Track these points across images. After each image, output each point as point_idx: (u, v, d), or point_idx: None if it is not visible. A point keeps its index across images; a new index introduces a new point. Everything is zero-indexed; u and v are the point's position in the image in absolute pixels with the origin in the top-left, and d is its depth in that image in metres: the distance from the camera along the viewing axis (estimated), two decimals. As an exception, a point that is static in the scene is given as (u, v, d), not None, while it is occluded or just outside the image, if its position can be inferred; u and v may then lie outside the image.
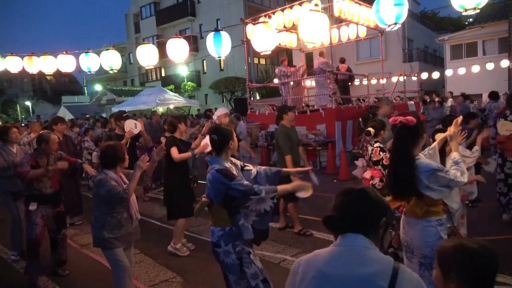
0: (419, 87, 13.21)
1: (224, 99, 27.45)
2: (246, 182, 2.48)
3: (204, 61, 31.29)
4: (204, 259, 4.37)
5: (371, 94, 12.99)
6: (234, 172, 2.57)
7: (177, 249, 4.66)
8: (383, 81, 12.91)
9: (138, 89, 28.95)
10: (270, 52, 5.26)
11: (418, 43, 24.72)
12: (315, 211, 6.03)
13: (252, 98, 14.48)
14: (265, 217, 2.50)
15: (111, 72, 6.36)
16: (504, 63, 15.89)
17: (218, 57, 5.26)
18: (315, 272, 1.39)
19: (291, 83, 10.99)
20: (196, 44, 30.12)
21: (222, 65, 30.12)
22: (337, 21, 12.22)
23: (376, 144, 3.93)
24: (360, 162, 4.70)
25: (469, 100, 12.74)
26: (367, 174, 4.08)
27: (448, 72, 18.45)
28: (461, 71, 16.93)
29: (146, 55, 5.53)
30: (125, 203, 3.09)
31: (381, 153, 3.87)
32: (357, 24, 11.20)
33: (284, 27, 10.75)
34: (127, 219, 3.18)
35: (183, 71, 29.48)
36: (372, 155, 3.94)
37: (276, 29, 10.10)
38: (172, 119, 4.92)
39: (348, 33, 12.23)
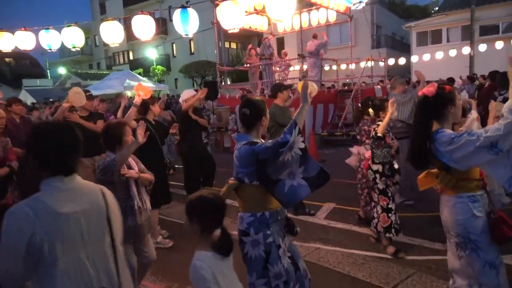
0: (386, 72, 13.54)
1: (195, 84, 27.07)
2: (269, 141, 2.21)
3: (174, 45, 30.59)
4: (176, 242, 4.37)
5: (340, 79, 13.19)
6: None
7: (159, 243, 4.33)
8: (352, 66, 13.14)
9: (104, 72, 27.99)
10: (238, 30, 5.18)
11: (386, 29, 25.23)
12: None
13: (223, 83, 14.35)
14: (307, 158, 2.14)
15: (73, 50, 6.08)
16: (466, 50, 16.53)
17: (186, 35, 5.14)
18: None
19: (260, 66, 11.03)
20: (165, 26, 29.33)
21: (192, 49, 29.59)
22: (308, 5, 12.26)
23: (378, 122, 3.90)
24: (355, 149, 4.63)
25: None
26: (367, 154, 4.03)
27: (414, 58, 18.98)
28: (426, 57, 17.45)
29: (111, 33, 5.31)
30: (116, 173, 2.67)
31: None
32: (326, 8, 11.27)
33: (255, 9, 10.66)
34: (132, 208, 2.79)
35: (152, 54, 28.72)
36: (372, 134, 3.91)
37: (246, 11, 10.02)
38: (146, 100, 4.55)
39: (318, 17, 12.30)
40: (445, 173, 2.28)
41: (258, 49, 11.97)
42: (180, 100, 5.82)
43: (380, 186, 3.79)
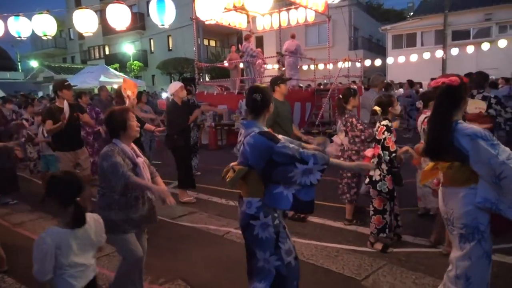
0: (362, 72, 13.77)
1: (172, 80, 26.73)
2: (292, 145, 2.23)
3: (152, 40, 30.11)
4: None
5: (317, 79, 13.33)
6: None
7: None
8: (329, 66, 13.30)
9: (79, 66, 27.26)
10: (215, 22, 5.14)
11: (364, 32, 25.70)
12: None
13: (201, 79, 14.24)
14: (311, 188, 2.22)
15: (45, 38, 5.84)
16: (439, 53, 17.04)
17: (162, 25, 5.05)
18: None
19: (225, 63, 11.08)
20: (143, 21, 28.83)
21: (170, 45, 29.21)
22: (287, 4, 12.33)
23: (384, 122, 3.72)
24: (338, 139, 4.65)
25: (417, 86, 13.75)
26: (369, 152, 3.86)
27: (389, 60, 19.42)
28: (401, 59, 17.87)
29: (85, 22, 5.14)
30: (126, 183, 2.55)
31: (385, 132, 3.66)
32: (305, 8, 11.36)
33: (234, 6, 10.63)
34: (138, 198, 2.69)
35: (129, 49, 28.19)
36: (376, 132, 3.77)
37: (226, 8, 9.98)
38: (121, 91, 4.56)
39: (297, 17, 12.38)
40: (460, 165, 2.29)
41: (241, 46, 11.92)
42: (168, 94, 5.76)
43: (384, 188, 3.66)
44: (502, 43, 15.36)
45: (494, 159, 2.08)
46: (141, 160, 2.72)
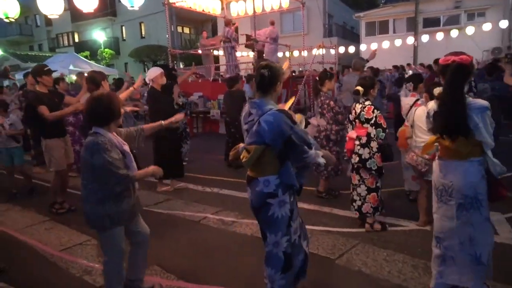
0: (337, 59, 13.89)
1: (146, 69, 26.14)
2: (304, 130, 2.34)
3: (123, 27, 29.26)
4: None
5: (292, 65, 13.35)
6: None
7: None
8: (304, 53, 13.34)
9: (47, 55, 26.21)
10: (187, 6, 5.02)
11: (338, 19, 25.82)
12: (233, 174, 6.16)
13: (175, 67, 13.96)
14: (304, 172, 2.42)
15: (6, 20, 5.51)
16: (410, 40, 17.38)
17: (131, 6, 4.90)
18: None
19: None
20: (113, 8, 27.96)
21: (143, 33, 28.49)
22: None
23: (367, 102, 3.79)
24: (315, 121, 4.72)
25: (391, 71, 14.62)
26: (353, 134, 3.88)
27: (363, 47, 19.63)
28: (374, 46, 17.74)
29: (49, 2, 4.87)
30: (123, 186, 2.46)
31: (375, 111, 3.73)
32: (280, -7, 11.31)
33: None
34: (130, 189, 2.54)
35: (99, 37, 27.31)
36: (362, 113, 3.78)
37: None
38: (94, 74, 4.27)
39: (271, 3, 12.28)
40: (464, 139, 2.41)
41: (220, 33, 11.73)
42: (147, 79, 5.56)
43: (373, 165, 3.74)
44: (470, 30, 15.81)
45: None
46: (127, 147, 2.58)
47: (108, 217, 2.44)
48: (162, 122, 2.86)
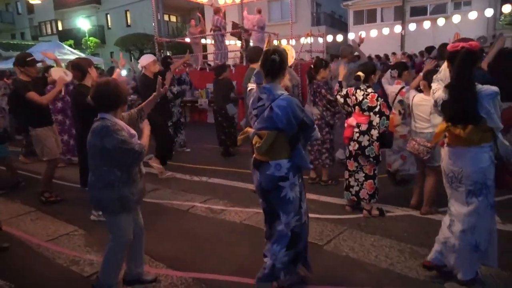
0: (325, 48, 13.88)
1: (132, 58, 25.72)
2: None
3: (108, 15, 28.68)
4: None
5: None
6: None
7: (100, 215, 4.00)
8: (292, 42, 13.27)
9: (30, 43, 25.50)
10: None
11: (326, 7, 25.70)
12: (222, 163, 6.16)
13: (162, 55, 13.75)
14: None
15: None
16: (398, 28, 17.40)
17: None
18: None
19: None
20: (98, -5, 27.35)
21: (129, 21, 27.96)
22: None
23: (370, 90, 3.76)
24: (308, 107, 4.73)
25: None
26: (352, 122, 3.84)
27: (351, 36, 19.55)
28: (362, 35, 18.11)
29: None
30: (139, 162, 2.46)
31: (379, 99, 3.71)
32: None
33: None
34: (137, 172, 2.53)
35: (84, 25, 26.69)
36: (365, 100, 3.73)
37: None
38: (80, 61, 4.09)
39: (259, -10, 12.19)
40: (473, 126, 2.41)
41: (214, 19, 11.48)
42: (139, 66, 5.46)
43: (372, 153, 3.76)
44: (456, 18, 15.89)
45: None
46: (134, 131, 2.55)
47: (119, 200, 2.42)
48: (155, 93, 2.78)
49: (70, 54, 16.60)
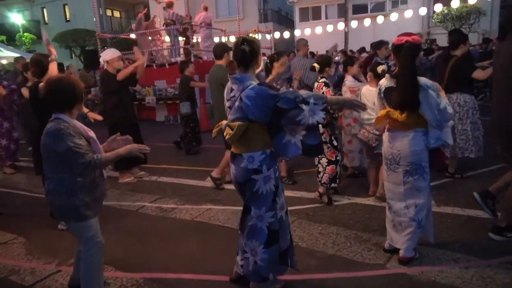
0: (272, 44, 14.08)
1: (73, 55, 24.40)
2: (292, 89, 2.30)
3: (44, 10, 26.91)
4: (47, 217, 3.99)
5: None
6: None
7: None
8: (240, 38, 13.33)
9: (-45, 39, 23.33)
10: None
11: (273, 4, 26.07)
12: (173, 161, 6.06)
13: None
14: (316, 131, 2.31)
15: None
16: (341, 26, 18.09)
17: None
18: None
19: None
20: (31, -13, 25.57)
21: (68, 16, 26.44)
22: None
23: (322, 80, 3.95)
24: None
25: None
26: None
27: (297, 33, 20.05)
28: (307, 32, 18.55)
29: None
30: (89, 172, 2.29)
31: (324, 87, 3.88)
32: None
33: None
34: (100, 176, 2.40)
35: (17, 20, 24.84)
36: (316, 90, 3.94)
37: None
38: (40, 57, 3.83)
39: (205, -15, 12.09)
40: (411, 112, 2.62)
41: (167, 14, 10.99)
42: (101, 60, 5.10)
43: (327, 138, 3.94)
44: (394, 16, 16.82)
45: (437, 106, 2.57)
46: (93, 133, 2.41)
47: (84, 207, 2.30)
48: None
49: (2, 51, 15.40)
